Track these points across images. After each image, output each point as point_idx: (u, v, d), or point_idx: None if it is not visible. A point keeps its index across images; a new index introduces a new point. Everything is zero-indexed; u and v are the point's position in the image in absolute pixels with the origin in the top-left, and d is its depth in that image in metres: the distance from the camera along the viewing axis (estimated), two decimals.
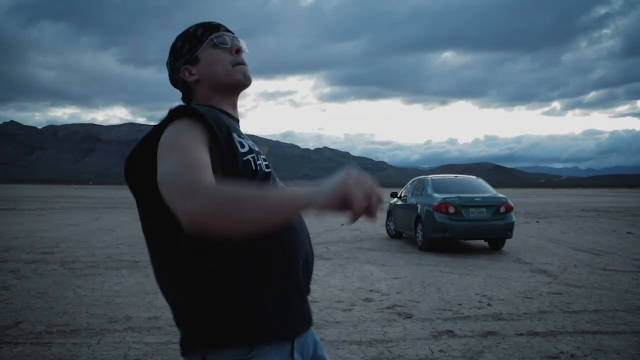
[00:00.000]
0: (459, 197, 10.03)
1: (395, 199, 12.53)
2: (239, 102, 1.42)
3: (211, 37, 1.37)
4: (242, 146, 1.23)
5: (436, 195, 10.27)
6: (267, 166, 1.28)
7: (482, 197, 10.16)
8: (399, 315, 5.21)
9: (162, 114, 1.21)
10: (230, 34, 1.40)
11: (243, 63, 1.38)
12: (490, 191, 10.74)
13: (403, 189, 12.52)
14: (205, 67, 1.36)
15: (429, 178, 11.34)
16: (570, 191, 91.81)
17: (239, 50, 1.39)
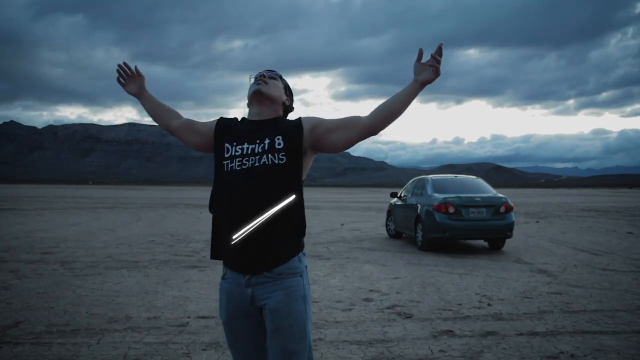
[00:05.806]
0: (459, 197, 10.03)
1: (395, 199, 12.54)
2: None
3: None
4: None
5: (436, 195, 10.27)
6: None
7: (482, 197, 10.16)
8: (399, 315, 5.21)
9: None
10: None
11: None
12: (490, 191, 10.74)
13: (403, 189, 12.52)
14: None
15: (429, 178, 11.34)
16: (571, 191, 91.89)
17: None
